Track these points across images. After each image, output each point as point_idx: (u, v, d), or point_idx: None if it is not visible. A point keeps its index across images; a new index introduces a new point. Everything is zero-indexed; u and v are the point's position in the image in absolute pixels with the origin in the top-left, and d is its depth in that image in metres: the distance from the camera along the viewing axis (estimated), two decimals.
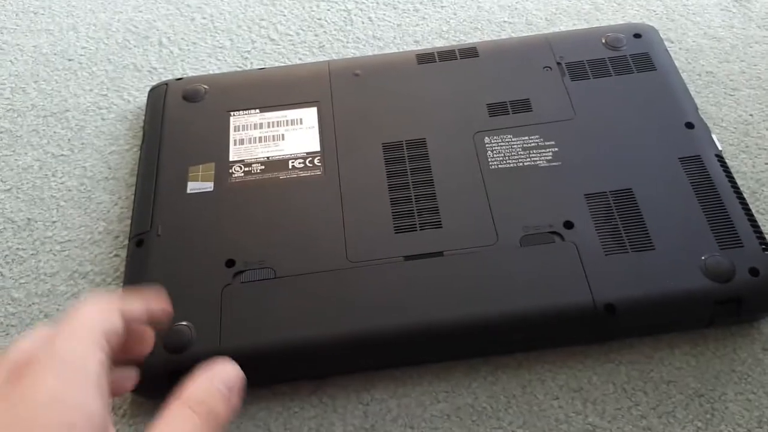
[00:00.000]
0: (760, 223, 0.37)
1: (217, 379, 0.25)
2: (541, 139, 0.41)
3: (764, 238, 0.36)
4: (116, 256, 0.41)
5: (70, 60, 0.51)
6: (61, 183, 0.45)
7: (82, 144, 0.46)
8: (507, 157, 0.40)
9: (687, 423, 0.34)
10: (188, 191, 0.40)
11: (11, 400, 0.21)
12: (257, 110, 0.44)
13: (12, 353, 0.22)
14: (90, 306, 0.24)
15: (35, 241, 0.42)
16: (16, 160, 0.46)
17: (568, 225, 0.37)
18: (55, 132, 0.47)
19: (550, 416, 0.34)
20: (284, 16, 0.53)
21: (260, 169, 0.41)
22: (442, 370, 0.36)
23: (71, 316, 0.23)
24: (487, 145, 0.41)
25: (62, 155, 0.46)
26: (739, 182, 0.40)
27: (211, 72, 0.49)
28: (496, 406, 0.35)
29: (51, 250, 0.42)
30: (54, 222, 0.43)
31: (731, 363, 0.36)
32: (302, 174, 0.41)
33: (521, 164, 0.40)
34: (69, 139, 0.47)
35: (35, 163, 0.46)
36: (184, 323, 0.35)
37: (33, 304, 0.39)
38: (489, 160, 0.40)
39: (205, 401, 0.24)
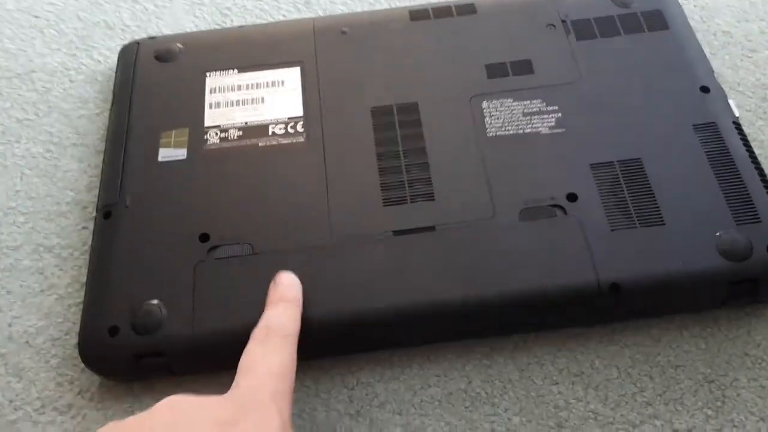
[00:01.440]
0: None
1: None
2: (544, 104, 0.38)
3: None
4: (84, 228, 0.38)
5: (36, 17, 0.47)
6: (26, 149, 0.41)
7: (49, 107, 0.43)
8: (506, 124, 0.37)
9: (696, 410, 0.32)
10: (160, 159, 0.37)
11: None
12: (235, 70, 0.40)
13: None
14: None
15: None
16: None
17: (572, 197, 0.34)
18: (19, 95, 0.44)
19: (549, 402, 0.32)
20: None
21: (238, 135, 0.38)
22: (433, 353, 0.34)
23: None
24: (485, 110, 0.38)
25: (27, 119, 0.43)
26: (757, 151, 0.37)
27: (187, 30, 0.46)
28: (491, 392, 0.32)
29: (14, 222, 0.39)
30: (17, 191, 0.40)
31: (744, 346, 0.33)
32: (283, 141, 0.37)
33: (522, 131, 0.37)
34: (34, 103, 0.43)
35: None
36: (153, 302, 0.32)
37: None
38: (487, 126, 0.37)
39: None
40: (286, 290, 0.31)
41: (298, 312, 0.31)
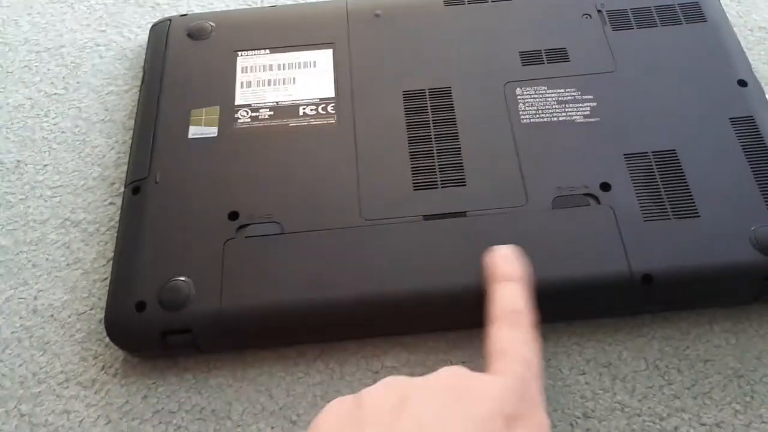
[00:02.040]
0: None
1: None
2: (579, 93, 0.37)
3: None
4: (111, 204, 0.38)
5: None
6: (54, 124, 0.41)
7: (78, 83, 0.43)
8: (540, 111, 0.37)
9: (724, 405, 0.31)
10: (190, 136, 0.37)
11: None
12: (267, 51, 0.40)
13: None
14: None
15: (24, 185, 0.39)
16: (6, 97, 0.43)
17: (605, 187, 0.34)
18: (48, 69, 0.44)
19: (576, 392, 0.32)
20: None
21: (268, 115, 0.38)
22: (459, 338, 0.33)
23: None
24: (518, 97, 0.37)
25: (56, 94, 0.43)
26: None
27: (218, 9, 0.46)
28: None
29: (41, 196, 0.39)
30: (45, 165, 0.40)
31: None
32: (314, 122, 0.37)
33: (555, 119, 0.36)
34: (64, 77, 0.43)
35: (27, 102, 0.42)
36: (182, 278, 0.32)
37: (21, 252, 0.37)
38: (520, 113, 0.37)
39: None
40: (514, 267, 0.30)
41: (527, 294, 0.29)
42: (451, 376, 0.25)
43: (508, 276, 0.29)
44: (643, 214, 0.33)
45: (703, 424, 0.31)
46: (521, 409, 0.24)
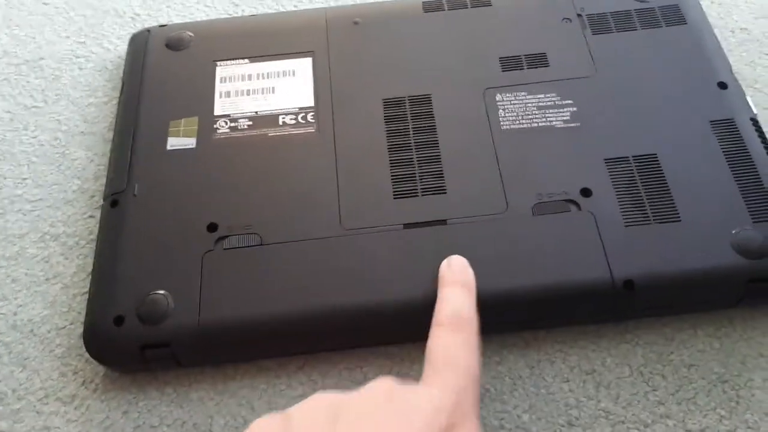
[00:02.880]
0: None
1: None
2: (558, 98, 0.37)
3: None
4: (91, 217, 0.38)
5: (45, 4, 0.47)
6: (34, 137, 0.41)
7: (57, 95, 0.43)
8: (520, 117, 0.37)
9: (709, 411, 0.31)
10: (168, 148, 0.36)
11: None
12: (246, 60, 0.40)
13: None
14: None
15: (3, 199, 0.39)
16: None
17: (586, 193, 0.34)
18: (28, 81, 0.43)
19: (560, 400, 0.32)
20: None
21: (247, 125, 0.37)
22: None
23: None
24: (498, 103, 0.37)
25: (35, 107, 0.42)
26: None
27: (198, 19, 0.45)
28: (501, 388, 0.32)
29: (20, 210, 0.38)
30: (24, 179, 0.39)
31: (759, 347, 0.33)
32: (294, 131, 0.37)
33: (536, 125, 0.36)
34: (43, 90, 0.43)
35: (5, 115, 0.42)
36: (160, 292, 0.32)
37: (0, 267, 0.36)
38: (500, 119, 0.37)
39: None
40: (464, 274, 0.30)
41: (475, 301, 0.29)
42: (383, 390, 0.24)
43: (456, 281, 0.30)
44: (624, 219, 0.33)
45: (689, 431, 0.31)
46: (454, 419, 0.24)
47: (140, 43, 0.41)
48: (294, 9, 0.46)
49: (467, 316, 0.28)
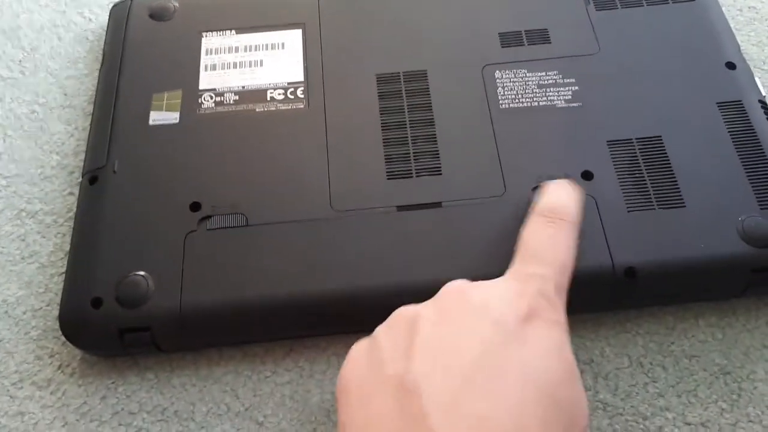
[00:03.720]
0: None
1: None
2: (560, 76, 0.36)
3: None
4: (70, 194, 0.36)
5: None
6: (10, 110, 0.39)
7: (35, 66, 0.41)
8: (520, 96, 0.35)
9: (710, 403, 0.30)
10: (150, 123, 0.35)
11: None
12: (233, 32, 0.38)
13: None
14: None
15: None
16: None
17: (587, 176, 0.32)
18: (4, 52, 0.41)
19: None
20: None
21: (234, 100, 0.36)
22: None
23: None
24: (497, 81, 0.36)
25: (11, 78, 0.40)
26: None
27: None
28: None
29: None
30: (0, 154, 0.38)
31: (763, 338, 0.32)
32: (282, 107, 0.35)
33: (536, 104, 0.35)
34: (20, 61, 0.41)
35: None
36: (140, 273, 0.31)
37: None
38: (499, 97, 0.35)
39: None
40: (566, 184, 0.29)
41: (582, 202, 0.28)
42: (454, 291, 0.25)
43: (563, 186, 0.29)
44: (627, 204, 0.32)
45: (688, 424, 0.30)
46: (536, 305, 0.24)
47: (122, 12, 0.39)
48: None
49: (564, 208, 0.28)
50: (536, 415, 0.21)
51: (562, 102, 0.35)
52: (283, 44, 0.37)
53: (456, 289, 0.25)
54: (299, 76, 0.36)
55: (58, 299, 0.33)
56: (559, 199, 0.28)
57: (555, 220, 0.27)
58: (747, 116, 0.34)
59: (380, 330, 0.25)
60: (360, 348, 0.25)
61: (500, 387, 0.21)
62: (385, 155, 0.33)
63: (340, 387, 0.25)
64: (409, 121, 0.34)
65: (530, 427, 0.21)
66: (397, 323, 0.24)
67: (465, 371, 0.22)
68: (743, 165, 0.32)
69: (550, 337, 0.23)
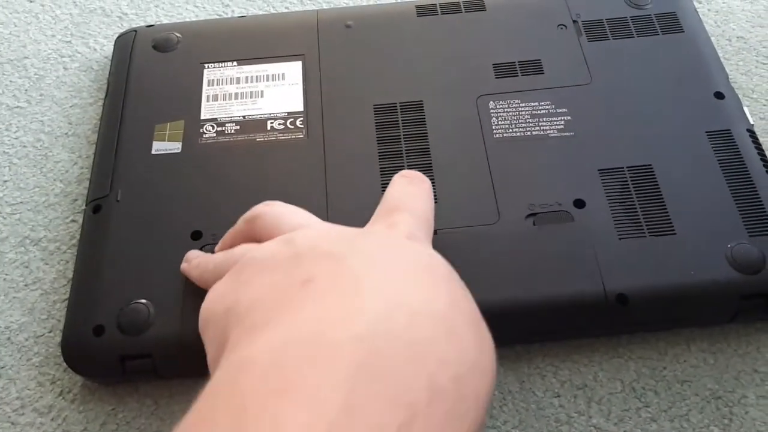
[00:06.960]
0: None
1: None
2: (553, 106, 0.36)
3: None
4: (73, 221, 0.37)
5: (31, 2, 0.46)
6: (15, 138, 0.40)
7: (41, 95, 0.42)
8: (513, 125, 0.36)
9: (702, 427, 0.30)
10: (153, 152, 0.36)
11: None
12: (234, 63, 0.39)
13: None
14: None
15: None
16: None
17: (579, 204, 0.33)
18: (11, 81, 0.42)
19: (550, 416, 0.31)
20: None
21: (235, 130, 0.36)
22: None
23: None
24: (491, 111, 0.36)
25: (18, 107, 0.41)
26: None
27: (186, 19, 0.44)
28: (491, 404, 0.31)
29: (0, 213, 0.37)
30: (5, 181, 0.38)
31: (754, 363, 0.32)
32: (282, 137, 0.36)
33: (529, 133, 0.36)
34: (26, 90, 0.42)
35: None
36: (142, 301, 0.31)
37: None
38: (493, 127, 0.36)
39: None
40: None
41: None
42: (375, 246, 0.24)
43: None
44: (618, 231, 0.32)
45: None
46: (434, 261, 0.24)
47: (126, 44, 0.40)
48: (284, 11, 0.45)
49: (420, 176, 0.29)
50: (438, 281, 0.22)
51: (555, 131, 0.36)
52: (283, 75, 0.38)
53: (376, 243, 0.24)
54: (299, 107, 0.37)
55: (60, 326, 0.33)
56: (415, 173, 0.29)
57: (415, 180, 0.28)
58: (736, 145, 0.35)
59: (301, 237, 0.24)
60: (268, 246, 0.24)
61: (400, 266, 0.22)
62: (382, 183, 0.34)
63: (204, 315, 0.25)
64: (406, 150, 0.35)
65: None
66: (326, 237, 0.24)
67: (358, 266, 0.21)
68: (732, 193, 0.33)
69: (434, 254, 0.24)
